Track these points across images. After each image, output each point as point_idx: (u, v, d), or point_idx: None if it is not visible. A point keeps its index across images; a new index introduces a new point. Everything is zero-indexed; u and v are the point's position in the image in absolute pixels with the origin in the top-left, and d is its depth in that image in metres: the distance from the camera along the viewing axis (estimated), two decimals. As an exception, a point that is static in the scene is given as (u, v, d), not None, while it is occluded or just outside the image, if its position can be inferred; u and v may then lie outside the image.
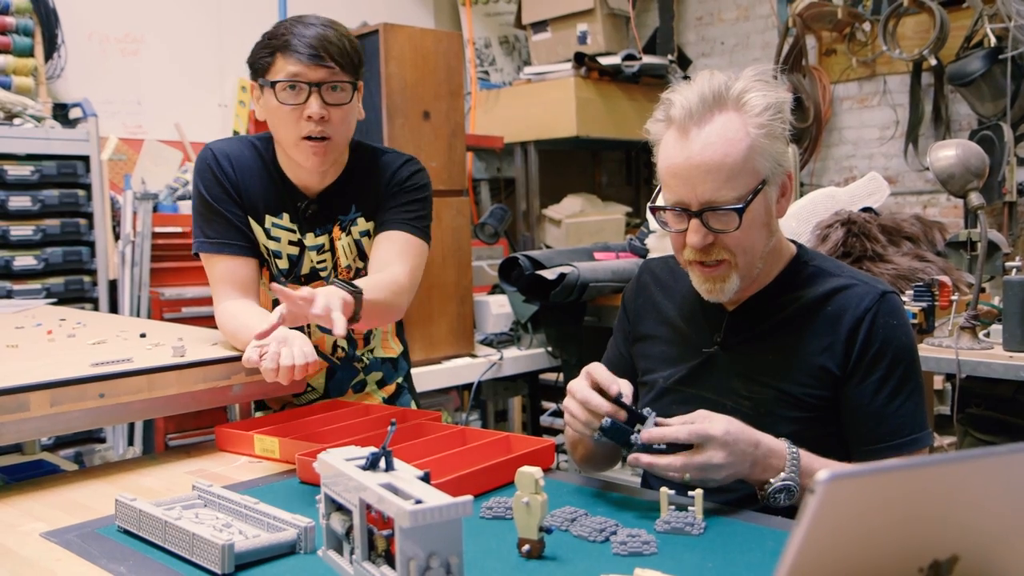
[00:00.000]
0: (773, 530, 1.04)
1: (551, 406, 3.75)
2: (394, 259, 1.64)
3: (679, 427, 1.07)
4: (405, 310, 1.67)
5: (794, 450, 1.14)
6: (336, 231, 1.68)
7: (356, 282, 1.54)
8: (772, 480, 1.11)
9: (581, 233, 4.21)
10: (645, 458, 1.07)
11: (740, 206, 1.19)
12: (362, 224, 1.69)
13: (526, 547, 0.96)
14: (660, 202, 1.27)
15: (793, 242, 1.37)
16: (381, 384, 1.81)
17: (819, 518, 0.59)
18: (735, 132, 1.18)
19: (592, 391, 1.12)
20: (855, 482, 0.60)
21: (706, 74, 1.23)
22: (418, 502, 0.76)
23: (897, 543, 0.64)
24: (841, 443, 1.26)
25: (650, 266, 1.49)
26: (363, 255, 1.69)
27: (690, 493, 1.06)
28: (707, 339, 1.33)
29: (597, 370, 1.15)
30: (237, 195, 1.64)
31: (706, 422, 1.08)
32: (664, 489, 1.07)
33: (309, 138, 1.54)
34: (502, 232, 3.99)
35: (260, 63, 1.56)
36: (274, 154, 1.64)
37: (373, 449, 0.90)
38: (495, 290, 3.73)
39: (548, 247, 4.19)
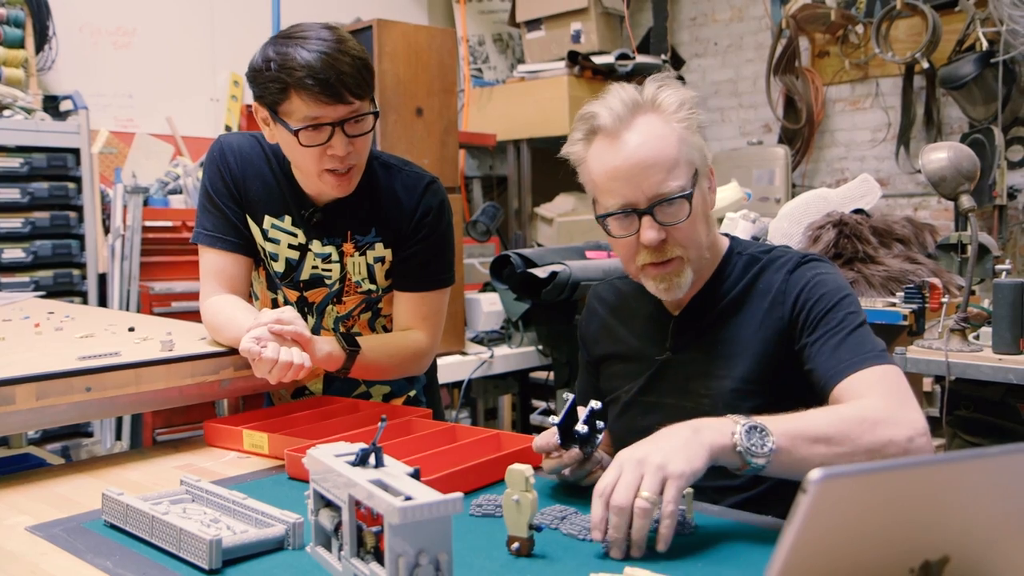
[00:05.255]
0: (764, 529, 1.04)
1: (541, 404, 3.75)
2: (417, 322, 1.64)
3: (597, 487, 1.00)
4: (428, 365, 1.70)
5: (743, 418, 1.05)
6: (349, 247, 1.63)
7: (370, 339, 1.57)
8: (734, 432, 1.01)
9: (573, 232, 4.21)
10: (615, 549, 0.97)
11: (688, 192, 1.24)
12: (379, 250, 1.64)
13: (516, 545, 0.96)
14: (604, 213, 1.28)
15: (726, 235, 1.41)
16: (388, 397, 1.77)
17: (811, 517, 0.59)
18: (661, 128, 1.24)
19: (543, 439, 1.15)
20: (848, 481, 0.60)
21: (614, 87, 1.28)
22: (408, 499, 0.76)
23: (888, 543, 0.64)
24: None
25: (597, 292, 1.54)
26: (373, 279, 1.66)
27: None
28: (659, 347, 1.37)
29: (537, 440, 1.16)
30: (237, 192, 1.62)
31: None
32: None
33: (333, 170, 1.50)
34: (494, 230, 3.98)
35: (271, 96, 1.46)
36: (283, 156, 1.59)
37: (363, 445, 0.90)
38: (486, 288, 3.73)
39: (540, 245, 4.20)
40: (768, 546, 0.90)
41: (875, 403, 1.10)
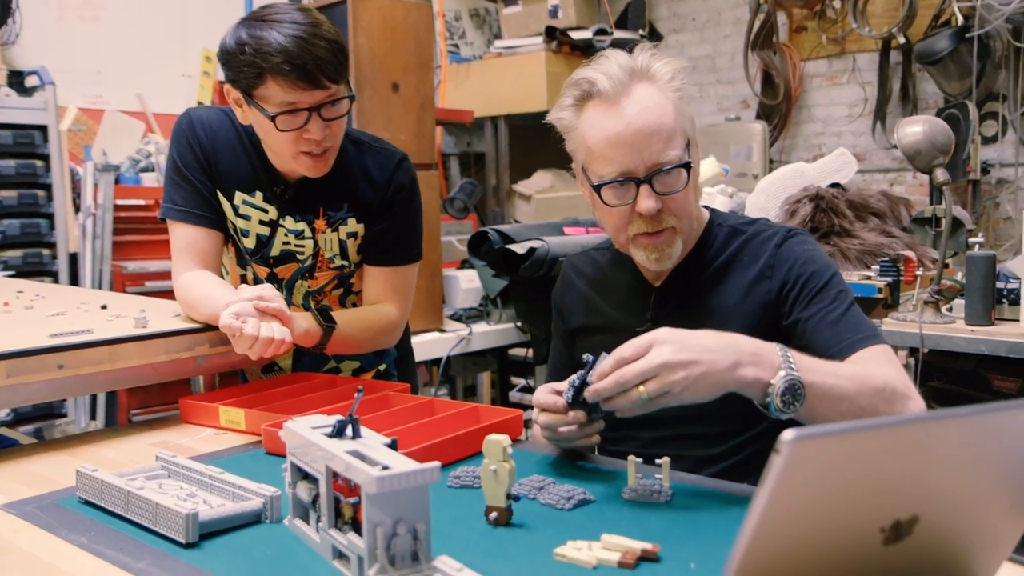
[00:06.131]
0: (741, 497, 1.05)
1: (520, 381, 3.76)
2: (388, 296, 1.66)
3: (621, 347, 1.04)
4: (398, 339, 1.71)
5: (782, 346, 1.07)
6: (321, 223, 1.64)
7: (343, 313, 1.58)
8: (772, 380, 1.02)
9: (551, 208, 4.21)
10: (594, 388, 1.04)
11: (687, 161, 1.23)
12: (352, 225, 1.65)
13: (493, 514, 0.96)
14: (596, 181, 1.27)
15: (705, 208, 1.41)
16: (358, 372, 1.78)
17: (784, 478, 0.59)
18: (658, 97, 1.23)
19: (548, 395, 1.14)
20: (821, 442, 0.60)
21: (608, 53, 1.28)
22: (385, 468, 0.76)
23: (860, 503, 0.65)
24: None
25: (573, 262, 1.52)
26: (345, 255, 1.66)
27: (657, 461, 1.06)
28: (639, 318, 1.35)
29: (540, 395, 1.15)
30: (208, 166, 1.60)
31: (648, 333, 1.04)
32: (631, 457, 1.07)
33: (309, 153, 1.50)
34: (471, 207, 3.98)
35: (245, 80, 1.45)
36: (254, 131, 1.57)
37: (340, 417, 0.90)
38: (464, 265, 3.71)
39: (518, 222, 4.18)
40: (743, 512, 0.93)
41: (900, 379, 1.12)
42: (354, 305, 1.73)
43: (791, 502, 0.61)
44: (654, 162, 1.22)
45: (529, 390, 3.66)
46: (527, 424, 1.54)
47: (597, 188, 1.26)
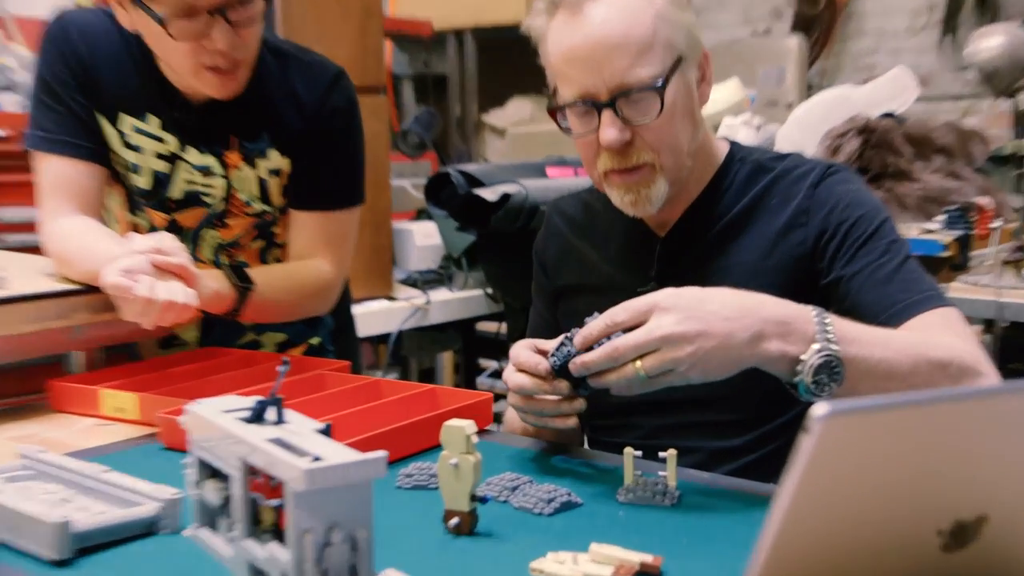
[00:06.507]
0: (762, 499, 1.05)
1: (491, 365, 3.76)
2: (320, 249, 1.67)
3: (614, 309, 1.06)
4: (334, 303, 1.72)
5: (818, 310, 1.08)
6: (234, 157, 1.63)
7: (263, 271, 1.58)
8: (803, 356, 1.03)
9: (530, 145, 4.19)
10: (580, 360, 1.06)
11: (659, 84, 1.23)
12: (274, 159, 1.65)
13: (454, 520, 0.96)
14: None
15: (725, 140, 1.43)
16: (285, 347, 1.79)
17: (815, 466, 0.59)
18: (636, 1, 1.24)
19: (529, 353, 1.15)
20: (863, 419, 0.60)
21: None
22: (316, 460, 0.75)
23: (912, 497, 0.64)
24: None
25: (559, 207, 1.54)
26: (266, 197, 1.67)
27: (661, 455, 1.06)
28: (640, 277, 1.37)
29: (519, 350, 1.15)
30: (86, 81, 1.59)
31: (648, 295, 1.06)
32: (629, 450, 1.08)
33: (214, 67, 1.48)
34: (430, 143, 3.95)
35: None
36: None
37: (259, 398, 0.89)
38: (420, 216, 3.70)
39: (488, 162, 4.17)
40: (764, 516, 0.95)
41: (969, 351, 1.13)
42: (277, 261, 1.74)
43: (824, 496, 0.61)
44: (618, 82, 1.23)
45: (501, 374, 3.66)
46: (497, 418, 1.57)
47: (559, 112, 1.29)
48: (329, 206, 1.67)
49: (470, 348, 3.70)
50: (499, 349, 3.63)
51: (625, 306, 1.04)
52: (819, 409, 0.58)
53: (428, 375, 3.99)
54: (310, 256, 1.67)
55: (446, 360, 4.03)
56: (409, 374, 3.78)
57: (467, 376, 3.74)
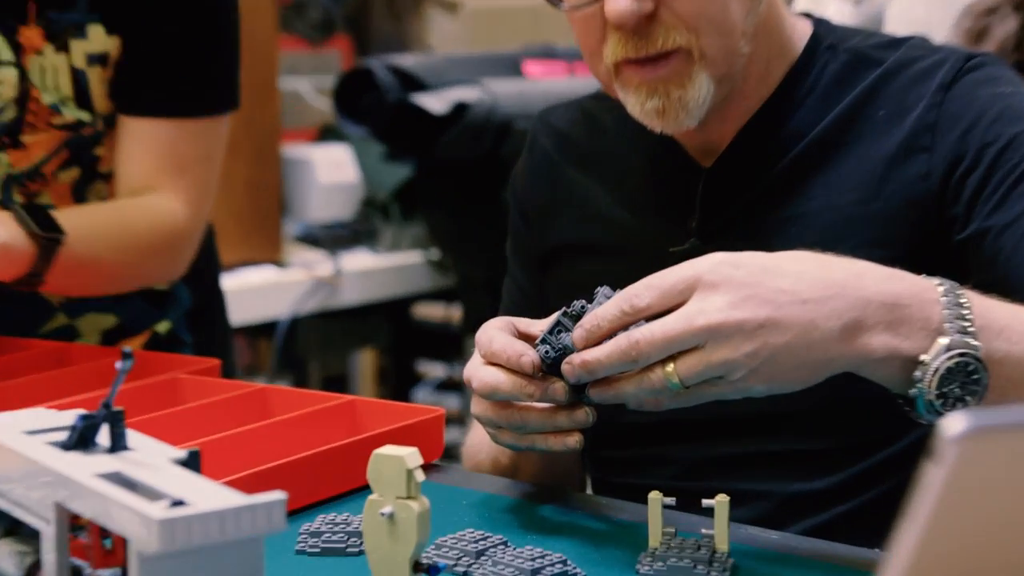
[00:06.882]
0: (859, 569, 0.88)
1: (435, 371, 3.32)
2: (166, 179, 1.43)
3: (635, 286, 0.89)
4: (189, 263, 1.48)
5: (949, 284, 0.89)
6: (32, 34, 1.39)
7: (78, 214, 1.39)
8: (925, 356, 0.86)
9: (498, 26, 3.86)
10: (581, 359, 0.88)
11: None
12: (97, 39, 1.40)
13: None
14: None
15: (805, 18, 1.23)
16: (114, 336, 1.53)
17: (945, 510, 0.50)
18: None
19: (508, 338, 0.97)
20: (1011, 437, 0.51)
21: None
22: (177, 504, 0.65)
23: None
24: None
25: (549, 121, 1.33)
26: (85, 99, 1.42)
27: (705, 503, 0.87)
28: (674, 230, 1.16)
29: (493, 334, 0.97)
30: None
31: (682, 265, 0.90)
32: (656, 496, 0.87)
33: None
34: (340, 20, 3.47)
35: None
36: None
37: (83, 412, 0.77)
38: (326, 136, 3.24)
39: (433, 51, 3.69)
40: None
41: None
42: (102, 200, 1.50)
43: (959, 543, 0.52)
44: None
45: (453, 386, 3.17)
46: (451, 452, 1.40)
47: None
48: (180, 111, 1.42)
49: (403, 345, 3.23)
50: (449, 346, 3.17)
51: (650, 282, 0.86)
52: (953, 425, 0.49)
53: (336, 385, 3.17)
54: (152, 190, 1.40)
55: (364, 363, 3.42)
56: (307, 383, 3.03)
57: (398, 388, 3.21)
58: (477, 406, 0.98)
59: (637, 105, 1.10)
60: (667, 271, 0.87)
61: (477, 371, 0.96)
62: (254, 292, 2.62)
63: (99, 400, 0.76)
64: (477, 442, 1.19)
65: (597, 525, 1.01)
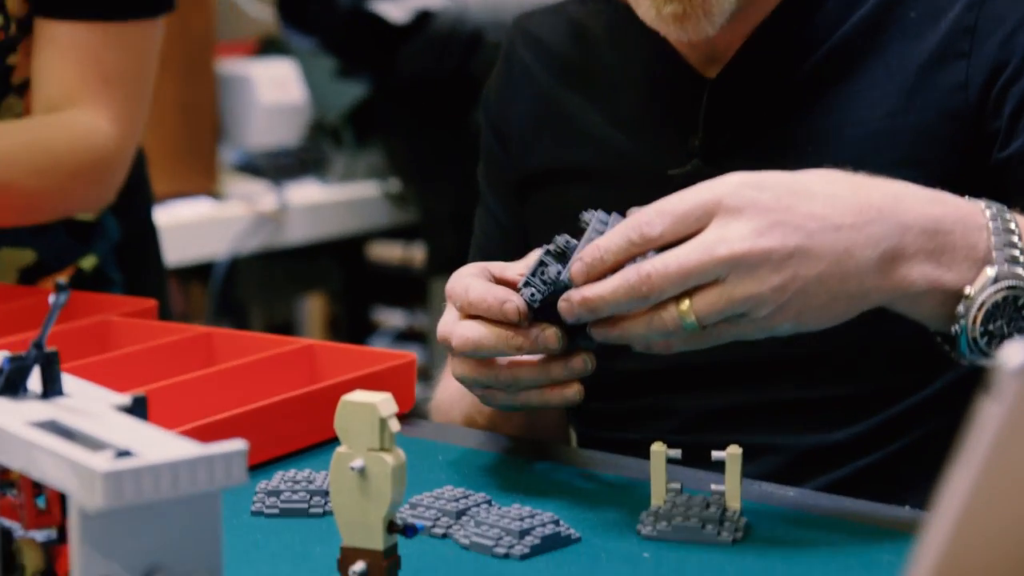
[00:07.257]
0: (890, 531, 0.82)
1: (394, 319, 3.22)
2: (89, 91, 1.33)
3: (644, 210, 0.82)
4: (118, 188, 1.38)
5: (996, 206, 0.84)
6: None
7: None
8: (969, 289, 0.81)
9: None
10: (579, 296, 0.81)
11: None
12: None
13: (359, 566, 0.74)
14: None
15: None
16: (33, 274, 1.45)
17: (1004, 450, 0.45)
18: None
19: (485, 284, 0.90)
20: None
21: None
22: (123, 455, 0.59)
23: None
24: None
25: (527, 28, 1.24)
26: None
27: (715, 455, 0.80)
28: (674, 147, 1.09)
29: (468, 282, 0.90)
30: None
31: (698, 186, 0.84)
32: (659, 447, 0.81)
33: None
34: None
35: None
36: None
37: (7, 355, 0.70)
38: (268, 49, 3.08)
39: None
40: (896, 561, 0.76)
41: None
42: (16, 117, 1.42)
43: (1019, 489, 0.47)
44: None
45: (413, 336, 3.02)
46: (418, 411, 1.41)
47: None
48: (105, 13, 1.33)
49: (356, 289, 3.10)
50: (409, 291, 3.03)
51: (663, 207, 0.78)
52: (1014, 356, 0.42)
53: (284, 330, 2.97)
54: (73, 105, 1.32)
55: (313, 310, 3.24)
56: (249, 326, 2.85)
57: (351, 338, 3.00)
58: (459, 367, 0.91)
59: (652, 9, 1.00)
60: (681, 193, 0.80)
61: (455, 327, 0.89)
62: (186, 229, 2.46)
63: (20, 346, 0.70)
64: (447, 399, 1.13)
65: (592, 483, 0.96)
